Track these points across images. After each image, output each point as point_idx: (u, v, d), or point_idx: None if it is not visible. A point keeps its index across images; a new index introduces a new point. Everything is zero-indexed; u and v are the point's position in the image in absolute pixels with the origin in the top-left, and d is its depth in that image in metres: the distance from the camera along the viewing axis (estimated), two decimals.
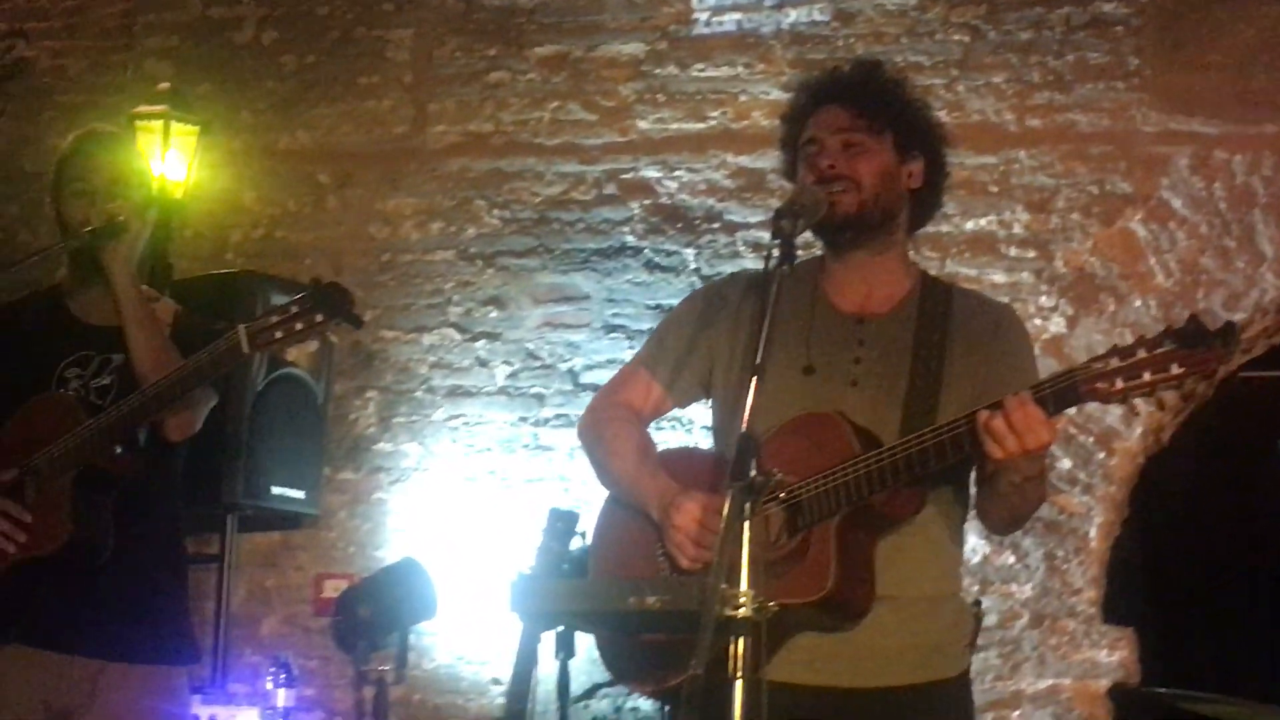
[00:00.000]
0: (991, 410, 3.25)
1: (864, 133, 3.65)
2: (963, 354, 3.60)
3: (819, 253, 3.78)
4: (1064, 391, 3.21)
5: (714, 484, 3.53)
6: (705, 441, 6.56)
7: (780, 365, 3.53)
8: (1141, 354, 3.11)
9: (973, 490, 3.65)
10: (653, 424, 3.91)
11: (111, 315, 4.46)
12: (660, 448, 3.84)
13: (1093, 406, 6.43)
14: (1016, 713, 6.44)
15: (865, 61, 3.87)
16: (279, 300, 6.59)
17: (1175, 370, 3.08)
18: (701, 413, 6.25)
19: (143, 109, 7.31)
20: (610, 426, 3.83)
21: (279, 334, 3.98)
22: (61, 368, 4.45)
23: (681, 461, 3.73)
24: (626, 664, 3.66)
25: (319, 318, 3.94)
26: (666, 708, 4.43)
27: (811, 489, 3.38)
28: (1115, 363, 3.14)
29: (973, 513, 3.70)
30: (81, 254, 4.47)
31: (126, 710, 4.34)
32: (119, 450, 4.27)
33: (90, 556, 4.27)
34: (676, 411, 6.14)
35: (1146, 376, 3.11)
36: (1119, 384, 3.13)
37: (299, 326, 3.96)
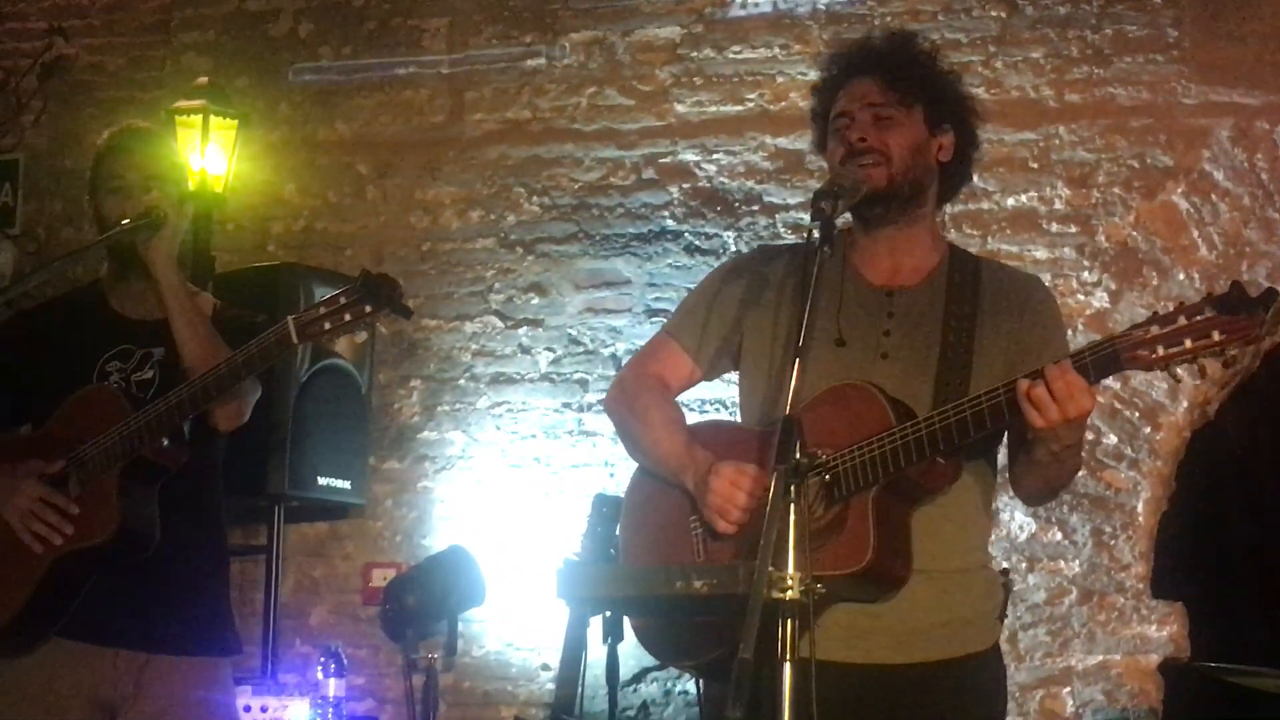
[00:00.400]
0: (1032, 378, 3.25)
1: (895, 106, 3.64)
2: (992, 326, 3.59)
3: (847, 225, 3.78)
4: (1105, 359, 3.20)
5: (744, 456, 3.53)
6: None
7: (813, 338, 3.53)
8: (1182, 321, 3.10)
9: (1002, 461, 3.65)
10: (696, 408, 3.91)
11: (152, 310, 4.50)
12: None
13: (1138, 381, 6.41)
14: (1066, 689, 6.43)
15: (896, 33, 3.85)
16: (321, 292, 6.68)
17: (1217, 337, 3.06)
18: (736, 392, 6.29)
19: (182, 104, 7.33)
20: (641, 398, 3.82)
21: (327, 325, 3.99)
22: (102, 361, 4.48)
23: (711, 434, 3.72)
24: (664, 643, 3.67)
25: (367, 309, 3.95)
26: (700, 682, 4.43)
27: (849, 460, 3.38)
28: (1156, 330, 3.13)
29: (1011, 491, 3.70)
30: (121, 249, 4.50)
31: (172, 702, 4.36)
32: (165, 443, 4.29)
33: (137, 548, 4.29)
34: (718, 394, 6.21)
35: (1188, 344, 3.09)
36: (1160, 351, 3.12)
37: (347, 317, 3.96)
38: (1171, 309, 3.14)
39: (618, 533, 4.67)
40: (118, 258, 4.55)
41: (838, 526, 3.38)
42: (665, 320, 6.87)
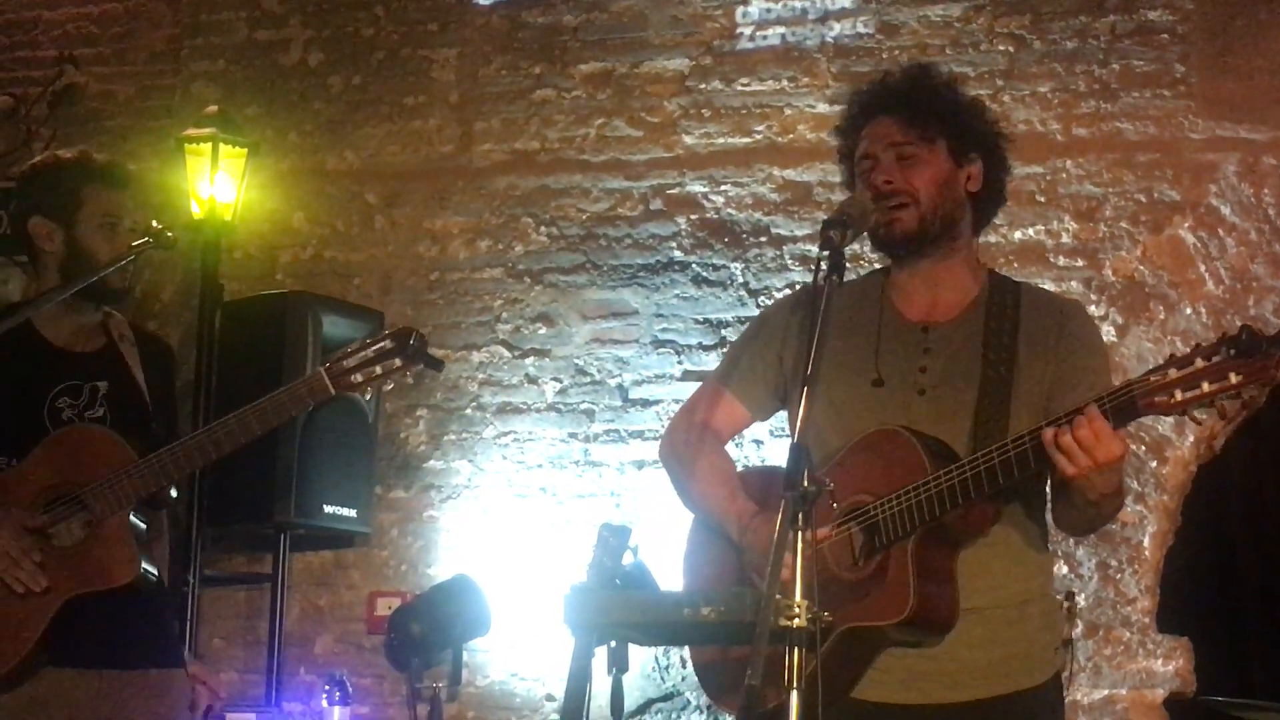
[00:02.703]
0: (1058, 426, 3.25)
1: (916, 143, 3.63)
2: (1030, 355, 3.57)
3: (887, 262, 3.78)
4: (1123, 405, 3.20)
5: None
6: (754, 456, 6.60)
7: (850, 379, 3.55)
8: (1199, 363, 3.10)
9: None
10: None
11: (86, 340, 4.48)
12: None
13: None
14: None
15: (914, 67, 3.84)
16: (330, 320, 6.71)
17: (1234, 379, 3.07)
18: (750, 428, 6.28)
19: (191, 132, 7.35)
20: (690, 449, 3.84)
21: (358, 377, 4.10)
22: (52, 396, 4.41)
23: (759, 480, 3.74)
24: (725, 684, 3.67)
25: (397, 362, 4.08)
26: None
27: (886, 510, 3.39)
28: (1173, 373, 3.13)
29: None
30: (92, 288, 4.40)
31: (150, 715, 4.43)
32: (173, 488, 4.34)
33: (149, 587, 4.35)
34: None
35: (1205, 387, 3.10)
36: (1178, 395, 3.13)
37: (378, 370, 4.08)
38: (1187, 351, 3.14)
39: (637, 565, 4.70)
40: (89, 294, 4.42)
41: (880, 576, 3.39)
42: (672, 351, 6.97)
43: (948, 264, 3.68)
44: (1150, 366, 3.22)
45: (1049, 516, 3.65)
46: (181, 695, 4.55)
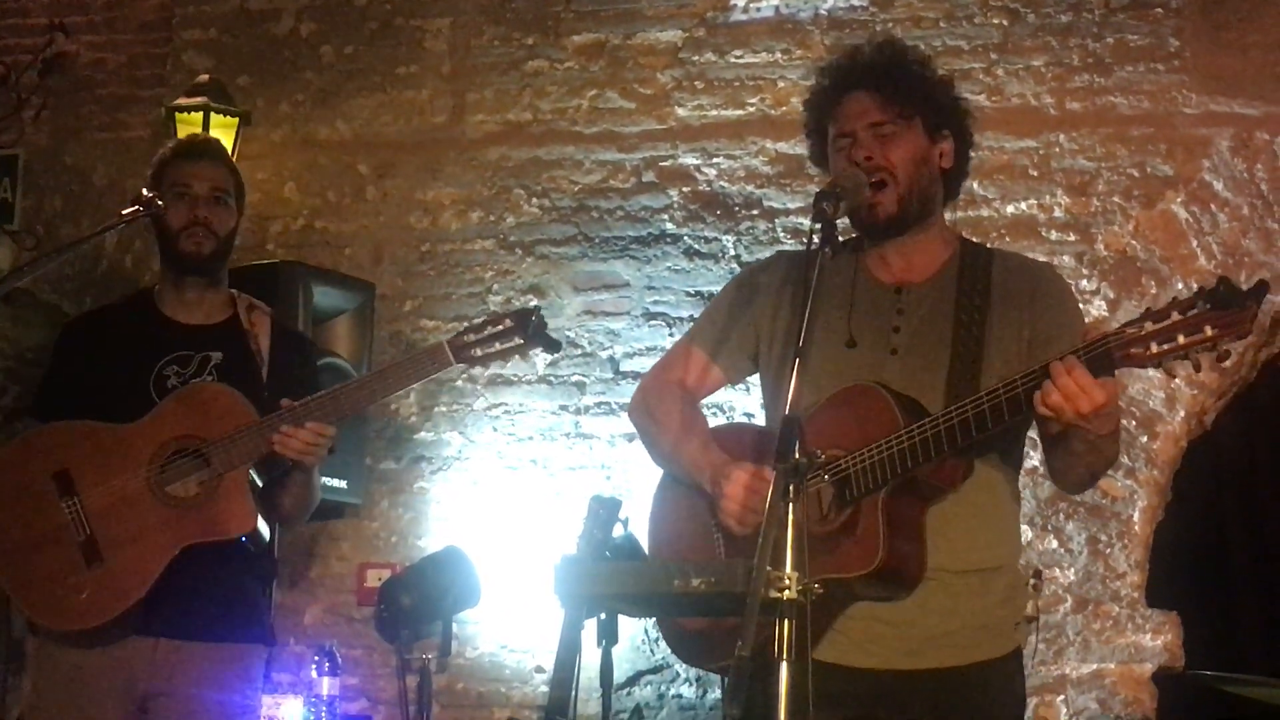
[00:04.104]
0: (1034, 383, 3.27)
1: (895, 120, 3.67)
2: (1003, 316, 3.61)
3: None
4: (1099, 358, 3.23)
5: (764, 458, 3.54)
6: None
7: (823, 341, 3.57)
8: (1175, 316, 3.13)
9: (1026, 451, 3.66)
10: None
11: (208, 314, 4.73)
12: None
13: (1136, 390, 6.41)
14: (1060, 697, 6.43)
15: (885, 43, 3.86)
16: (321, 290, 6.72)
17: (1209, 332, 3.10)
18: (738, 398, 6.28)
19: (182, 101, 7.33)
20: (661, 404, 3.87)
21: (478, 351, 4.34)
22: (160, 365, 4.63)
23: (732, 436, 3.77)
24: (695, 646, 3.69)
25: (517, 340, 4.32)
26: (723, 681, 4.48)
27: (858, 462, 3.40)
28: (1149, 326, 3.15)
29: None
30: (178, 258, 4.72)
31: (201, 687, 4.52)
32: None
33: (260, 546, 4.59)
34: (715, 399, 6.21)
35: (1180, 339, 3.12)
36: (1154, 348, 3.15)
37: (498, 346, 4.33)
38: (1164, 305, 3.16)
39: (627, 537, 4.73)
40: (174, 264, 4.75)
41: (850, 529, 3.41)
42: (663, 323, 6.96)
43: (923, 237, 3.73)
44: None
45: (1025, 490, 3.68)
46: (254, 669, 4.70)
